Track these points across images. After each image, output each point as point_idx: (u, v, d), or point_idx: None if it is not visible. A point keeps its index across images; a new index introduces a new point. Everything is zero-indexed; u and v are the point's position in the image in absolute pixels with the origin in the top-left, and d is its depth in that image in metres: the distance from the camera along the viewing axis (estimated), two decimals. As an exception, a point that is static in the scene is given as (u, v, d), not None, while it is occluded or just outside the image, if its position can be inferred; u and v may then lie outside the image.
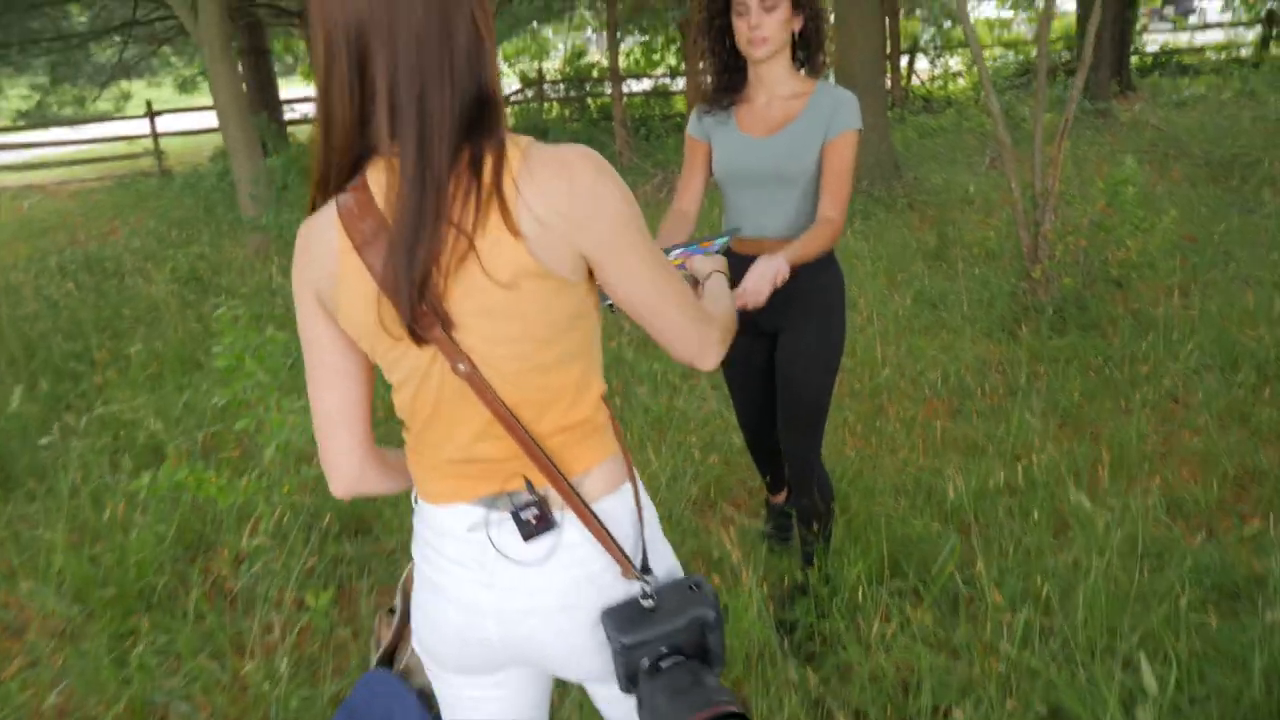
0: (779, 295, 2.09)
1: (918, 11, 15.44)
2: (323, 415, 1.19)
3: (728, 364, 2.59)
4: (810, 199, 2.27)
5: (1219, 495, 2.97)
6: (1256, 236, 5.57)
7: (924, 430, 3.56)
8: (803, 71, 2.31)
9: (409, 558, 1.31)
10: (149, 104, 15.21)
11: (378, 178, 1.07)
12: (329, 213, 1.10)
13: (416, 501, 1.23)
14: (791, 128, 2.24)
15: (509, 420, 1.09)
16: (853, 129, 2.20)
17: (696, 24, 2.32)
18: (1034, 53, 16.07)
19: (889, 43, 13.61)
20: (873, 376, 4.15)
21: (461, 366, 1.07)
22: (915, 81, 15.54)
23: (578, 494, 1.12)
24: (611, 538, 1.12)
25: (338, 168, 1.09)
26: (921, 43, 15.90)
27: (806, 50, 2.27)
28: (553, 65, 16.69)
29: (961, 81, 15.74)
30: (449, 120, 1.01)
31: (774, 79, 2.26)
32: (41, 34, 13.05)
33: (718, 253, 1.72)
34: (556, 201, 1.02)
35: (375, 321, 1.09)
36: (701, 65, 2.41)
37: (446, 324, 1.07)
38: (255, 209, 7.49)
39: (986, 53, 16.41)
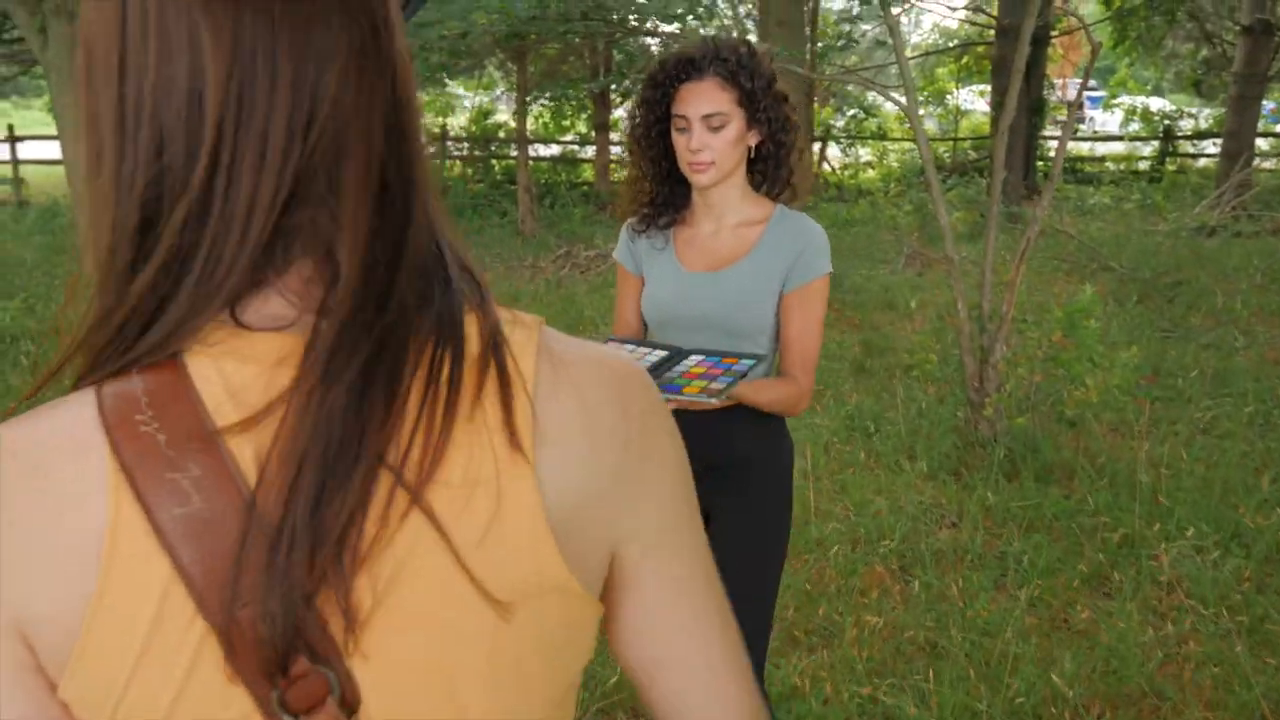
0: (710, 465, 1.54)
1: (831, 100, 15.40)
2: None
3: None
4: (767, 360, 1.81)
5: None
6: (1204, 370, 5.19)
7: (876, 614, 2.88)
8: (763, 190, 1.86)
9: None
10: (10, 128, 13.87)
11: (216, 365, 0.50)
12: (76, 434, 0.49)
13: None
14: (742, 265, 1.78)
15: None
16: (823, 274, 1.77)
17: (630, 123, 1.88)
18: (943, 151, 16.21)
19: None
20: (804, 528, 3.48)
21: None
22: (826, 168, 15.42)
23: None
24: None
25: (116, 332, 0.50)
26: (834, 130, 15.84)
27: (765, 167, 1.83)
28: (458, 122, 16.00)
29: (872, 173, 15.70)
30: (406, 261, 0.51)
31: (724, 204, 1.82)
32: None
33: (742, 374, 1.60)
34: (607, 452, 0.55)
35: (182, 688, 0.48)
36: (637, 174, 1.89)
37: (352, 699, 0.49)
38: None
39: (894, 147, 16.48)
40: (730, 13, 14.58)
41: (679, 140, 1.75)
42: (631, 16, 8.21)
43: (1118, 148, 16.58)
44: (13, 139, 13.64)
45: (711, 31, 5.45)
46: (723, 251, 1.81)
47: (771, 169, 1.82)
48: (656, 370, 1.66)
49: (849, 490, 3.81)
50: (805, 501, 3.66)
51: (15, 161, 13.60)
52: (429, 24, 3.98)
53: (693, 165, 1.73)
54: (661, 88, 1.78)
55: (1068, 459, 4.02)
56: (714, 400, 1.58)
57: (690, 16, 4.14)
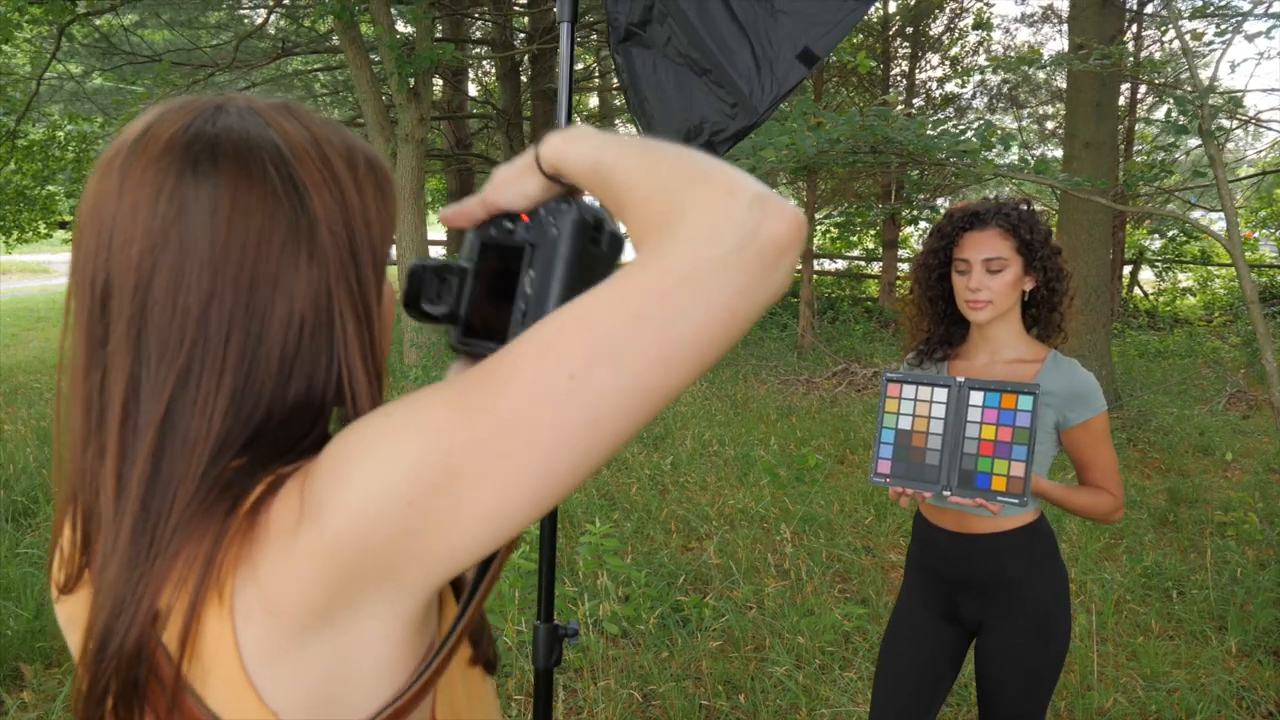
0: (984, 580, 1.92)
1: (1147, 221, 14.28)
2: None
3: (890, 645, 2.06)
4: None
5: None
6: None
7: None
8: (1034, 332, 2.02)
9: None
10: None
11: None
12: None
13: None
14: None
15: None
16: (1102, 412, 1.89)
17: (914, 266, 2.09)
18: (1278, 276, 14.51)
19: (1112, 250, 12.54)
20: (1084, 695, 3.17)
21: None
22: (1139, 293, 14.27)
23: None
24: None
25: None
26: (1149, 253, 14.66)
27: (1038, 311, 1.99)
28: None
29: (1192, 299, 14.33)
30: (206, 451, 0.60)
31: (999, 340, 1.98)
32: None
33: (1031, 413, 1.74)
34: None
35: None
36: (915, 312, 2.10)
37: None
38: (416, 357, 7.32)
39: (1220, 272, 14.96)
40: (1027, 140, 14.11)
41: (958, 281, 1.94)
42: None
43: None
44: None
45: (1013, 158, 5.39)
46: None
47: (1044, 314, 1.98)
48: (961, 470, 1.80)
49: (1140, 658, 3.43)
50: (1087, 664, 3.34)
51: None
52: (726, 157, 4.21)
53: (971, 303, 1.91)
54: (948, 237, 1.98)
55: None
56: (1026, 506, 1.74)
57: (983, 151, 4.07)
